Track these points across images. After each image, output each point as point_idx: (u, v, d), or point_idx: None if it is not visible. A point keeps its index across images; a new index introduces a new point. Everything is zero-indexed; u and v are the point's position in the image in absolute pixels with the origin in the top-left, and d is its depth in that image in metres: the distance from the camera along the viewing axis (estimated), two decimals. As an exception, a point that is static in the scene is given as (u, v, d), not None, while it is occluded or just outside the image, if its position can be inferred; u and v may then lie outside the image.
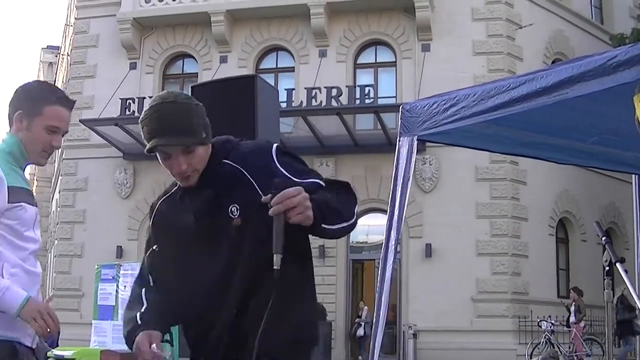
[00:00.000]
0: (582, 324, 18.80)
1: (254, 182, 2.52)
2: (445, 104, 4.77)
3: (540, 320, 18.97)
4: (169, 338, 2.68)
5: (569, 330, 18.93)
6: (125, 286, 6.47)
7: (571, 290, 19.48)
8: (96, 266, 7.03)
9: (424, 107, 5.03)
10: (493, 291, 20.72)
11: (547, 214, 22.37)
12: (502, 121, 4.82)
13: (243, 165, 2.55)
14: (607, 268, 4.55)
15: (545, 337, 18.61)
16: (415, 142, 5.11)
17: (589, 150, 5.84)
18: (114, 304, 6.68)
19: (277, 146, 2.61)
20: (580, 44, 23.66)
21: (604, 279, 4.58)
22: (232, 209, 2.52)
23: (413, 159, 5.12)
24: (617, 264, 4.42)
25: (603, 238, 4.65)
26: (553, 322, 18.88)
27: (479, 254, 20.93)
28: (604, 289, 4.62)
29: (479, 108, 4.54)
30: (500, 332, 20.24)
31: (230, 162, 2.58)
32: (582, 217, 23.20)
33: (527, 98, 4.30)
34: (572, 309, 18.75)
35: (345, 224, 2.52)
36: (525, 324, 20.14)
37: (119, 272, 6.70)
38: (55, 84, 47.16)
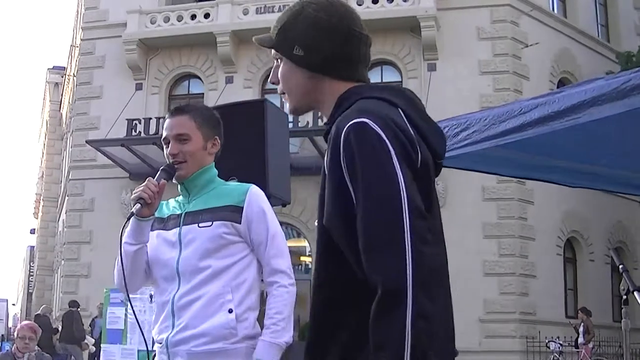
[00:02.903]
0: (590, 344, 18.65)
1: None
2: (456, 128, 4.73)
3: (549, 341, 18.83)
4: None
5: (578, 351, 18.78)
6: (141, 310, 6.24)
7: (579, 311, 19.33)
8: (105, 290, 6.99)
9: (434, 131, 4.97)
10: (501, 311, 20.60)
11: (554, 233, 22.27)
12: (511, 144, 4.77)
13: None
14: (624, 297, 4.48)
15: (553, 357, 18.47)
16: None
17: (599, 172, 5.78)
18: (123, 327, 6.63)
19: None
20: (586, 62, 23.65)
21: (621, 308, 4.51)
22: None
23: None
24: (635, 293, 4.35)
25: (620, 266, 4.57)
26: (561, 342, 18.74)
27: (486, 274, 20.84)
28: (622, 318, 4.54)
29: (490, 132, 4.49)
30: (508, 352, 20.10)
31: None
32: (590, 236, 23.08)
33: (539, 122, 4.25)
34: (581, 329, 18.60)
35: None
36: (533, 344, 19.99)
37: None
38: (61, 105, 47.04)
